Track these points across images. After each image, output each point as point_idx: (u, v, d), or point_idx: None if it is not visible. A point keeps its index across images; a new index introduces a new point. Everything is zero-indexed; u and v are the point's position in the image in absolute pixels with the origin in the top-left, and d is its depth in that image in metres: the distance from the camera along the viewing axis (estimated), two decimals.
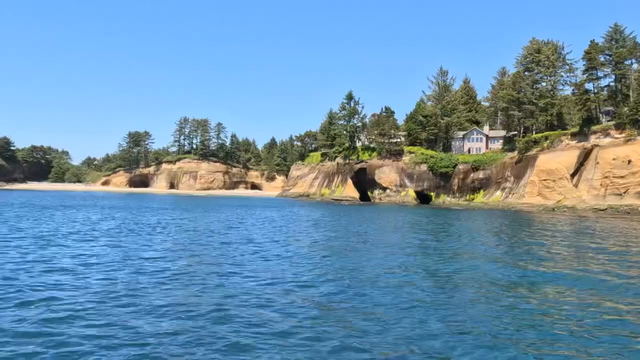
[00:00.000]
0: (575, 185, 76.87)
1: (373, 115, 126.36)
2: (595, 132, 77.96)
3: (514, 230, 38.58)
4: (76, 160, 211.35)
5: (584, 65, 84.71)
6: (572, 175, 78.16)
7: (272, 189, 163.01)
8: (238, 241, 25.89)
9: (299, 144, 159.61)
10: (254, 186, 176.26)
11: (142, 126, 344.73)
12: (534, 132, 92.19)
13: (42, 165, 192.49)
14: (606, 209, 67.21)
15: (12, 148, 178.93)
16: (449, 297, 13.84)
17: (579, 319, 11.61)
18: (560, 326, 11.03)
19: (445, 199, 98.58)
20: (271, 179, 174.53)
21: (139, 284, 14.34)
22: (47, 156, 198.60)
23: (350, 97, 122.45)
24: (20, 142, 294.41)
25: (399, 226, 40.75)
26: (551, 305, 13.06)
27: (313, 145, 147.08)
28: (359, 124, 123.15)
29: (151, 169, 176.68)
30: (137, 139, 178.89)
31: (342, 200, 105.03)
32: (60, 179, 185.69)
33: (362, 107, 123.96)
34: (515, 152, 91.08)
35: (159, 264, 18.03)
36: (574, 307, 12.88)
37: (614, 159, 71.73)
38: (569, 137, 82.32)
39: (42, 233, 27.04)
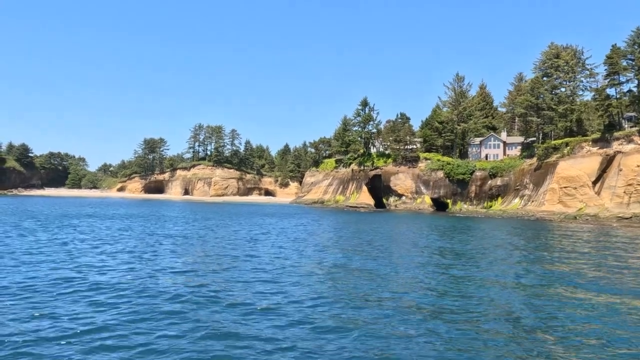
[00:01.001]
0: (598, 193, 74.95)
1: (388, 122, 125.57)
2: (617, 139, 76.04)
3: (555, 242, 37.34)
4: (92, 166, 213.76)
5: (605, 70, 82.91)
6: (594, 183, 76.24)
7: (285, 195, 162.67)
8: (274, 262, 23.89)
9: (312, 150, 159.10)
10: (268, 192, 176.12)
11: (157, 133, 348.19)
12: (552, 139, 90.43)
13: (59, 171, 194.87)
14: (631, 217, 65.24)
15: (30, 155, 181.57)
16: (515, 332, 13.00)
17: None
18: None
19: (462, 207, 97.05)
20: (285, 185, 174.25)
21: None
22: (64, 163, 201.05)
23: (365, 103, 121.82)
24: (38, 148, 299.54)
25: (430, 238, 39.83)
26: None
27: (327, 152, 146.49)
28: (374, 130, 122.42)
29: (166, 175, 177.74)
30: (152, 145, 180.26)
31: (357, 207, 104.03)
32: (76, 185, 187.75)
33: (377, 113, 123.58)
34: (534, 159, 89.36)
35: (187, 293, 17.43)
36: None
37: (638, 166, 69.80)
38: (590, 143, 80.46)
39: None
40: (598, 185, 75.99)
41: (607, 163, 75.80)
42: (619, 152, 74.38)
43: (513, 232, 44.82)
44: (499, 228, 50.81)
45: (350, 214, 79.32)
